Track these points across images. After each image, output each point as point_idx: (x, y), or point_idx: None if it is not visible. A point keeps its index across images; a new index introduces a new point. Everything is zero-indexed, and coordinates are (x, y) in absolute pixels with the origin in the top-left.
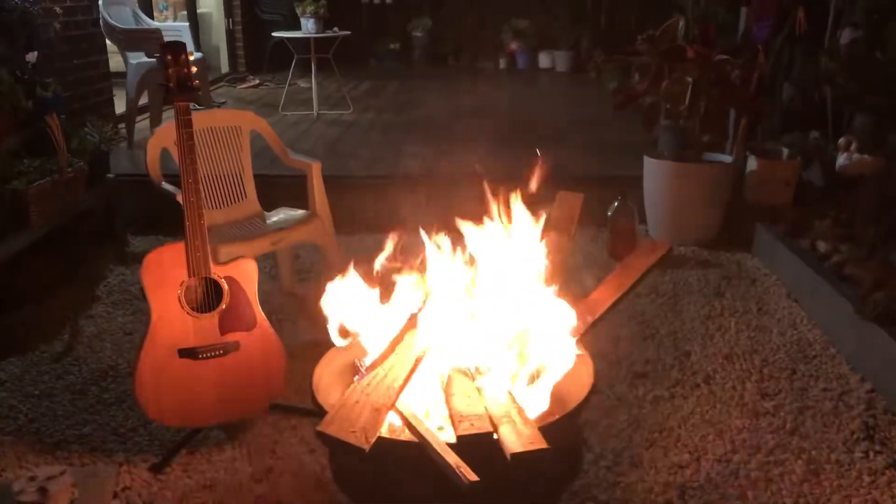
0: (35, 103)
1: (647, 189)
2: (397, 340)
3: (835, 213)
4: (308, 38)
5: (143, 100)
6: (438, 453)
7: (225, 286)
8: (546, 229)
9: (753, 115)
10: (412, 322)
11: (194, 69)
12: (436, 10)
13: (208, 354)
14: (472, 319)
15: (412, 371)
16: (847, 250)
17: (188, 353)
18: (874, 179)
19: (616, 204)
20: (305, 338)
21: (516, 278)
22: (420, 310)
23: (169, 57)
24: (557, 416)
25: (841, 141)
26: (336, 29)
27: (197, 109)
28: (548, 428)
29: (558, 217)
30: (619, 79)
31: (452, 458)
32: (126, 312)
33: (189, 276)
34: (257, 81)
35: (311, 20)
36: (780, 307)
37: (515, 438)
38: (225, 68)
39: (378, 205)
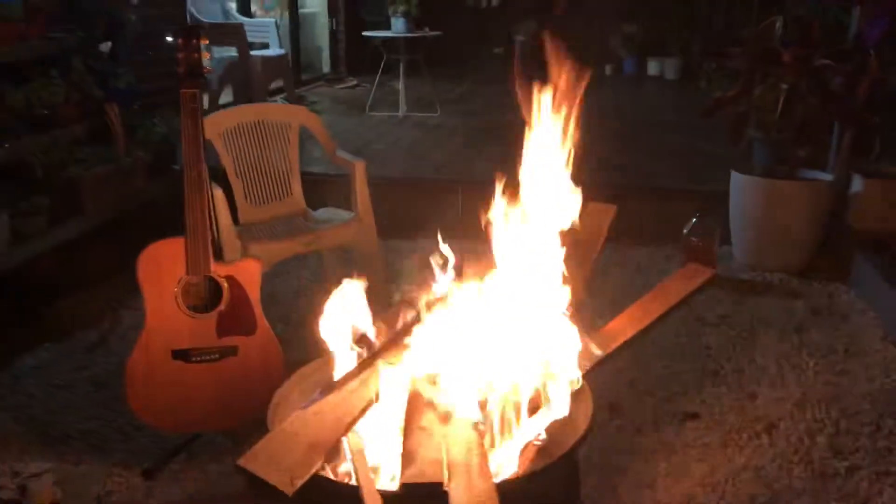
0: (108, 93)
1: (733, 207)
2: (366, 364)
3: None
4: (398, 38)
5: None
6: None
7: (225, 286)
8: (569, 245)
9: (860, 129)
10: (387, 345)
11: (206, 56)
12: (542, 14)
13: (202, 358)
14: (462, 346)
15: (369, 404)
16: None
17: (181, 354)
18: None
19: (694, 220)
20: None
21: (524, 300)
22: (401, 331)
23: (180, 41)
24: (519, 473)
25: None
26: (427, 29)
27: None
28: (513, 483)
29: (584, 231)
30: (727, 87)
31: None
32: None
33: (187, 274)
34: (355, 82)
35: (402, 20)
36: (874, 349)
37: (465, 494)
38: (326, 68)
39: (438, 209)
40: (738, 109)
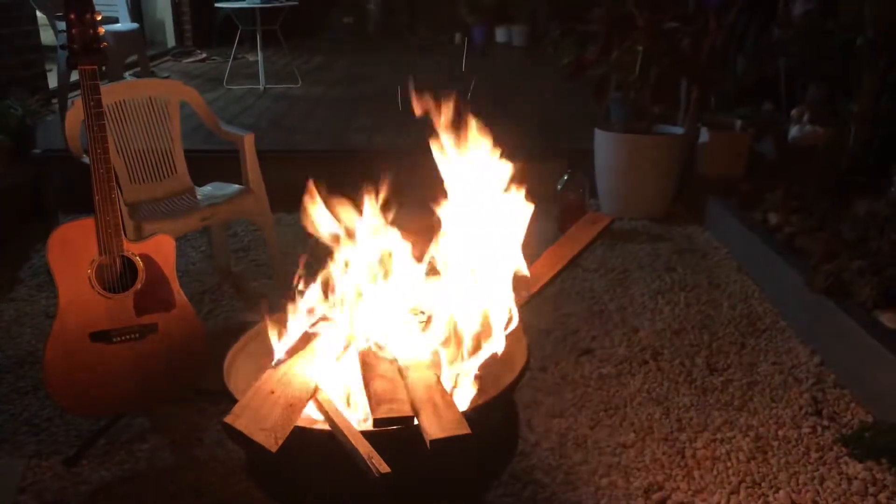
0: None
1: (597, 162)
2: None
3: (786, 184)
4: (253, 9)
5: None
6: (350, 442)
7: (140, 264)
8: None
9: (705, 86)
10: (335, 305)
11: (102, 30)
12: None
13: (123, 338)
14: (400, 298)
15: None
16: (798, 222)
17: (101, 336)
18: (825, 150)
19: (565, 177)
20: (240, 319)
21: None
22: (342, 293)
23: (72, 16)
24: (484, 399)
25: (793, 112)
26: None
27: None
28: (474, 412)
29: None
30: (575, 52)
31: (364, 448)
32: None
33: (100, 255)
34: (204, 55)
35: None
36: (731, 280)
37: (436, 423)
38: (171, 42)
39: (321, 180)
40: (600, 72)
